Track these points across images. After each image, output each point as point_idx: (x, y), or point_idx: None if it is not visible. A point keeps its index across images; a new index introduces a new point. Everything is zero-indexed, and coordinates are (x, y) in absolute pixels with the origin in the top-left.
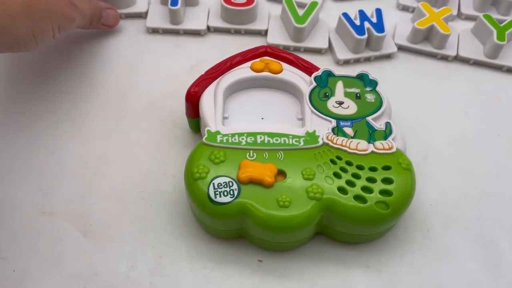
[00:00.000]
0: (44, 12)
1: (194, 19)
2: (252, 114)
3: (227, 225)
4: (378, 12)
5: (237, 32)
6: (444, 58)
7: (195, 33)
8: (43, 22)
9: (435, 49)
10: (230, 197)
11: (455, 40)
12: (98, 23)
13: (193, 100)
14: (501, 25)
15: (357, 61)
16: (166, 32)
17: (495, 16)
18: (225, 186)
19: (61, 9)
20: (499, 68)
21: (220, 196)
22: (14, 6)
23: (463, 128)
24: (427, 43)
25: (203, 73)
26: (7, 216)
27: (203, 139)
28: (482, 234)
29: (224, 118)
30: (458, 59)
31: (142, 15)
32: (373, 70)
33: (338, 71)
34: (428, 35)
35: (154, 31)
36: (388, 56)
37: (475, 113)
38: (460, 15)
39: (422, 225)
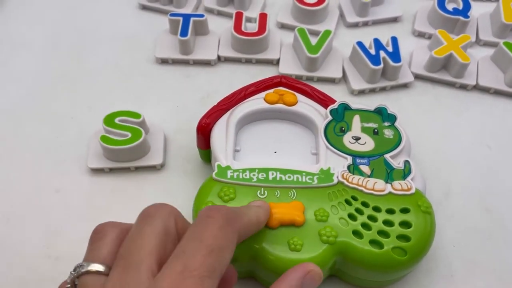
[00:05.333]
0: None
1: (204, 49)
2: (264, 147)
3: (235, 267)
4: (394, 40)
5: (248, 61)
6: (463, 87)
7: (206, 63)
8: None
9: (454, 78)
10: None
11: (474, 68)
12: None
13: (204, 132)
14: None
15: (372, 91)
16: (175, 62)
17: None
18: None
19: None
20: None
21: None
22: None
23: (485, 162)
24: (445, 71)
25: (214, 104)
26: (12, 259)
27: (213, 174)
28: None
29: (236, 151)
30: (477, 88)
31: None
32: (389, 100)
33: (353, 101)
34: (446, 63)
35: (164, 61)
36: (404, 86)
37: (497, 145)
38: (478, 41)
39: (445, 268)
